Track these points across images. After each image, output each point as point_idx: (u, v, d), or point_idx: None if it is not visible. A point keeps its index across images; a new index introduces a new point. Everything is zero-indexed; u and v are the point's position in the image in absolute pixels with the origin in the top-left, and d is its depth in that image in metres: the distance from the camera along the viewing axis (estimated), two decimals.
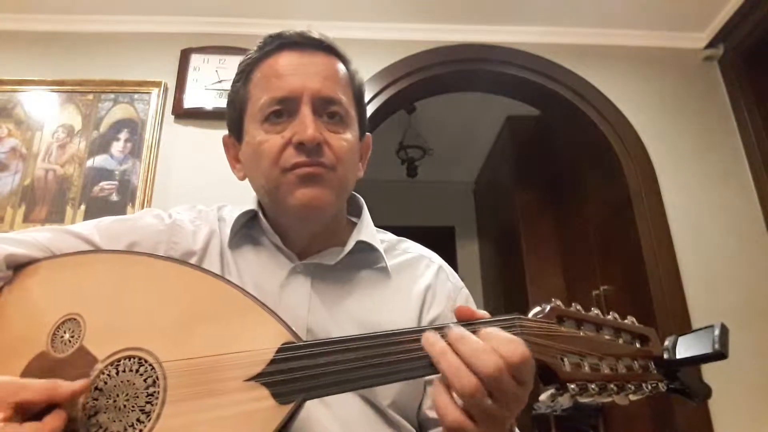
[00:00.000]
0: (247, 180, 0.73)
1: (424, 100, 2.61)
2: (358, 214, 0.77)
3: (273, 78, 0.67)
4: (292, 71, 0.67)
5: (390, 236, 0.80)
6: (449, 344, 0.45)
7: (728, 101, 2.23)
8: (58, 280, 0.57)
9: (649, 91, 2.25)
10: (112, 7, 2.16)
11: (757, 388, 1.85)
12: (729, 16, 2.15)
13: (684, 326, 1.87)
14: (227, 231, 0.71)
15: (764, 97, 2.12)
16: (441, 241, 4.09)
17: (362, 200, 0.79)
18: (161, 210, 0.74)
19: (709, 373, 1.84)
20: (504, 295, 3.50)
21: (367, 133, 0.78)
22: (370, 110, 2.14)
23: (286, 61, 0.68)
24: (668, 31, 2.32)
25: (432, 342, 0.45)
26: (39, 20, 2.18)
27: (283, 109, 0.66)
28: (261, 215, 0.71)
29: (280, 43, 0.69)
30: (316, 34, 0.70)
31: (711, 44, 2.28)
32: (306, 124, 0.64)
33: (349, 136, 0.69)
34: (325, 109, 0.67)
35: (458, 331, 0.45)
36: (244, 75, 0.71)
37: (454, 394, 0.44)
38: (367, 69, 2.19)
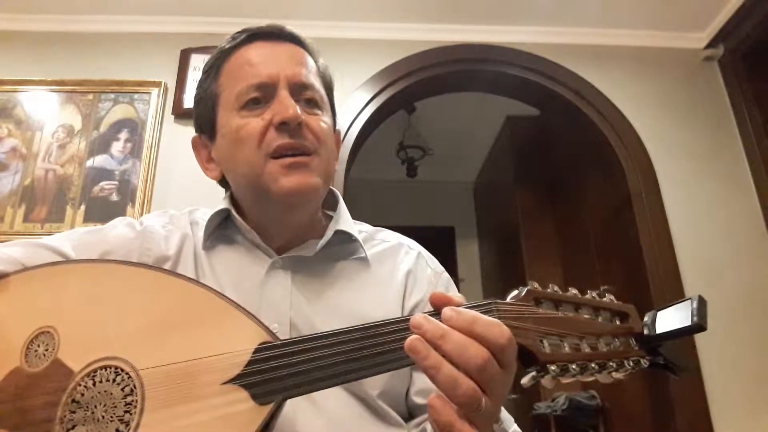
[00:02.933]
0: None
1: (424, 100, 2.61)
2: (334, 207, 0.76)
3: (246, 66, 0.67)
4: (266, 59, 0.67)
5: (367, 227, 0.79)
6: (431, 343, 0.42)
7: (728, 101, 2.23)
8: (29, 294, 0.56)
9: (649, 91, 2.25)
10: (112, 7, 2.17)
11: (758, 387, 1.85)
12: (729, 16, 2.15)
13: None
14: (200, 234, 0.70)
15: (764, 97, 2.12)
16: (441, 241, 4.09)
17: (337, 192, 0.78)
18: (132, 218, 0.73)
19: (710, 372, 1.84)
20: (504, 296, 3.50)
21: (338, 129, 0.77)
22: (370, 110, 2.14)
23: (257, 50, 0.69)
24: (668, 31, 2.32)
25: (422, 354, 0.42)
26: (39, 20, 2.18)
27: (261, 96, 0.66)
28: (234, 213, 0.70)
29: (249, 34, 0.70)
30: (285, 27, 0.71)
31: (711, 44, 2.28)
32: (287, 105, 0.64)
33: (327, 119, 0.69)
34: (301, 94, 0.67)
35: (438, 330, 0.42)
36: (213, 70, 0.71)
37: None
38: (367, 69, 2.19)
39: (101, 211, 1.91)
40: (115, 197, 1.93)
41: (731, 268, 1.99)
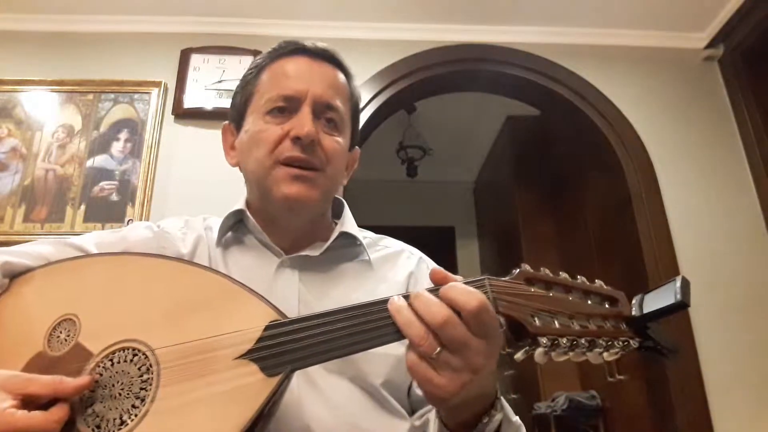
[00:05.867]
0: (243, 181, 0.77)
1: (424, 100, 2.61)
2: (341, 215, 0.82)
3: (282, 77, 0.74)
4: (300, 74, 0.73)
5: (371, 234, 0.84)
6: (407, 302, 0.48)
7: (728, 101, 2.23)
8: (53, 285, 0.60)
9: (649, 91, 2.25)
10: (112, 7, 2.17)
11: (758, 387, 1.85)
12: (729, 16, 2.15)
13: (684, 325, 1.87)
14: (214, 236, 0.75)
15: (764, 97, 2.12)
16: (441, 241, 4.10)
17: (344, 201, 0.83)
18: (151, 222, 0.78)
19: (711, 372, 1.84)
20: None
21: (357, 148, 0.83)
22: (370, 110, 2.14)
23: (296, 64, 0.75)
24: (668, 31, 2.32)
25: (392, 302, 0.49)
26: (39, 20, 2.18)
27: (286, 107, 0.71)
28: (248, 213, 0.74)
29: (294, 47, 0.76)
30: (328, 47, 0.78)
31: (711, 44, 2.28)
32: (304, 122, 0.69)
33: (341, 140, 0.75)
34: (323, 113, 0.72)
35: (417, 292, 0.49)
36: (256, 70, 0.77)
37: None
38: (367, 69, 2.19)
39: (101, 211, 1.91)
40: (115, 197, 1.93)
41: (731, 267, 1.99)
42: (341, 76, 0.77)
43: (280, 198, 0.69)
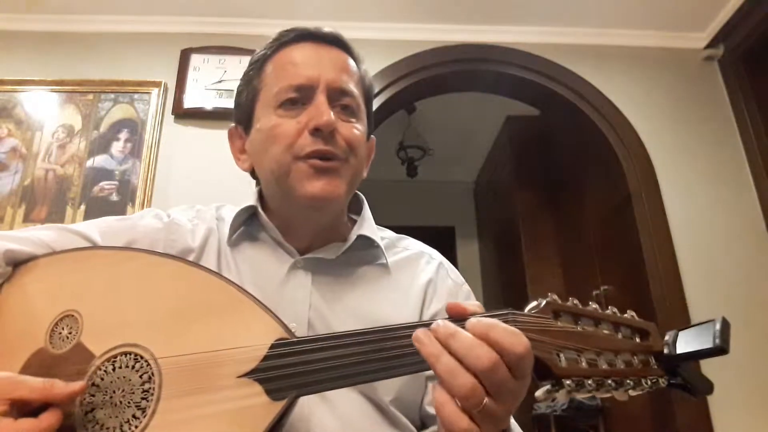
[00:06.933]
0: (247, 181, 0.73)
1: (424, 100, 2.61)
2: (359, 211, 0.77)
3: (289, 66, 0.68)
4: (309, 61, 0.68)
5: (390, 233, 0.80)
6: (440, 341, 0.43)
7: (728, 101, 2.24)
8: (56, 277, 0.58)
9: (649, 91, 2.26)
10: (112, 7, 2.17)
11: (758, 387, 1.85)
12: (729, 16, 2.15)
13: (684, 326, 1.87)
14: (225, 229, 0.71)
15: (764, 97, 2.12)
16: (441, 241, 4.06)
17: (363, 197, 0.78)
18: (160, 210, 0.74)
19: (710, 372, 1.84)
20: (504, 295, 3.51)
21: (372, 136, 0.78)
22: None
23: (302, 51, 0.70)
24: (668, 31, 2.32)
25: (424, 343, 0.43)
26: (39, 20, 2.18)
27: (299, 97, 0.66)
28: (261, 211, 0.71)
29: (297, 34, 0.71)
30: (333, 31, 0.72)
31: (711, 44, 2.28)
32: (322, 111, 0.64)
33: (361, 127, 0.70)
34: (338, 100, 0.68)
35: (449, 328, 0.43)
36: (257, 65, 0.72)
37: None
38: (367, 69, 2.19)
39: (101, 212, 1.90)
40: (115, 197, 1.93)
41: (731, 267, 1.99)
42: (351, 60, 0.73)
43: (305, 197, 0.64)
